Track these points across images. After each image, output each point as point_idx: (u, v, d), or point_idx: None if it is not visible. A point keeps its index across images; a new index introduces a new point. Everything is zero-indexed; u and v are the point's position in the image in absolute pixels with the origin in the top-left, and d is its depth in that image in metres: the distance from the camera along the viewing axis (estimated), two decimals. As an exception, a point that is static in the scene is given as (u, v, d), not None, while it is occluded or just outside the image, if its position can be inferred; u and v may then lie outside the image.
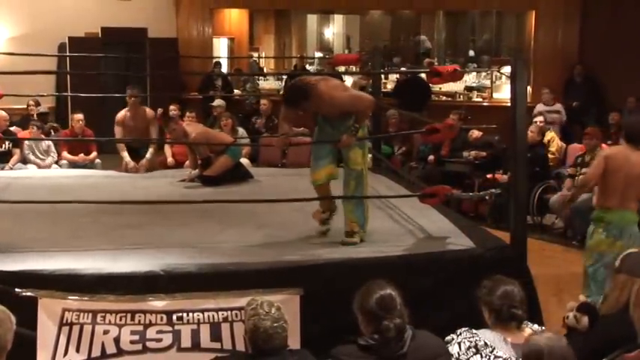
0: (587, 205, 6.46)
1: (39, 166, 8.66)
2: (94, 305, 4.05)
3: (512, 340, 3.14)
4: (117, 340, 4.02)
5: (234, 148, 7.27)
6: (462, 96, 13.43)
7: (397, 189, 6.59)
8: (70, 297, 4.05)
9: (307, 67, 15.28)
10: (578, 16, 12.63)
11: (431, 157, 9.46)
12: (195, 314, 4.09)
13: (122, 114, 8.03)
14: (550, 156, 8.98)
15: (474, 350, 3.11)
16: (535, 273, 4.74)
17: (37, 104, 10.15)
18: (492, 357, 3.08)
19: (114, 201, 5.66)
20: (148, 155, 8.01)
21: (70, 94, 11.41)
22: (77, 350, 4.01)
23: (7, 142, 8.71)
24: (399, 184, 6.88)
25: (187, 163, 7.86)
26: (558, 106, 10.98)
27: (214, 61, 13.17)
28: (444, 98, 13.41)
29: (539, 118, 9.40)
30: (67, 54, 11.80)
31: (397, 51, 17.39)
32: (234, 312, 4.05)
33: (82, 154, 8.96)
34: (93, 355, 4.01)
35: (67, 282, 4.10)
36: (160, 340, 4.05)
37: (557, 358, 2.70)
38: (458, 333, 3.21)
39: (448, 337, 3.22)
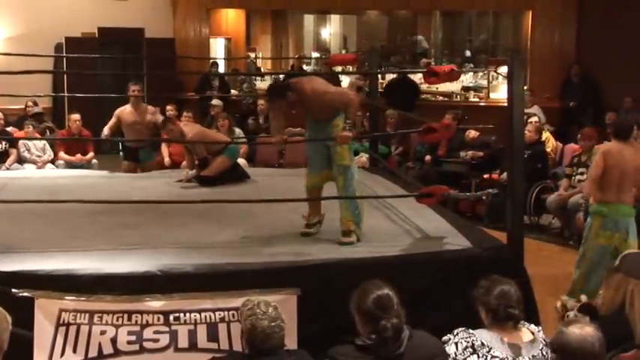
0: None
1: (35, 163, 8.67)
2: (91, 305, 4.04)
3: (508, 339, 3.14)
4: (114, 341, 4.02)
5: (231, 149, 7.27)
6: (458, 96, 13.44)
7: (394, 189, 6.60)
8: (66, 297, 4.05)
9: (304, 67, 15.27)
10: (574, 16, 12.65)
11: (428, 157, 9.47)
12: (193, 314, 4.09)
13: (122, 108, 8.02)
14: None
15: (470, 350, 3.11)
16: (532, 273, 4.75)
17: (35, 104, 10.15)
18: (489, 357, 3.08)
19: (110, 200, 5.65)
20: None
21: (66, 94, 11.40)
22: (74, 351, 4.01)
23: (3, 142, 8.71)
24: (396, 185, 6.88)
25: (184, 163, 7.86)
26: (535, 109, 10.91)
27: (211, 61, 13.17)
28: (441, 98, 13.41)
29: (534, 119, 9.39)
30: (64, 54, 11.77)
31: (394, 51, 17.39)
32: (231, 312, 4.06)
33: (78, 155, 8.97)
34: (90, 355, 4.01)
35: (63, 282, 4.10)
36: (157, 341, 4.05)
37: (588, 346, 2.68)
38: (455, 333, 3.21)
39: (445, 337, 3.22)
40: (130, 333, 4.04)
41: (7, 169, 8.47)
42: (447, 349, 3.15)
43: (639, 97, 10.88)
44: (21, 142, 8.70)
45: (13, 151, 8.71)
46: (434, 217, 5.61)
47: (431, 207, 5.75)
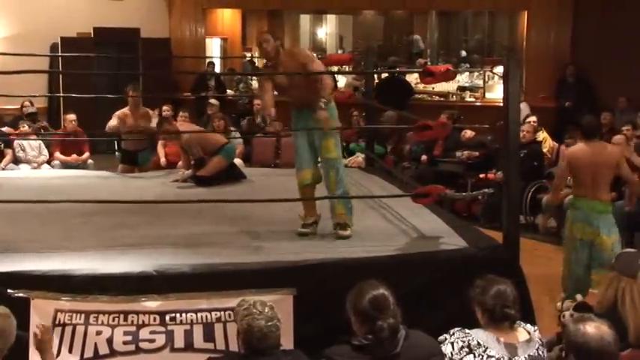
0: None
1: (30, 163, 8.65)
2: (87, 306, 4.04)
3: (504, 339, 3.14)
4: (110, 341, 4.01)
5: (227, 149, 7.27)
6: (454, 96, 13.45)
7: (390, 189, 6.60)
8: (62, 298, 4.04)
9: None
10: (570, 16, 12.67)
11: (424, 157, 9.47)
12: (189, 315, 4.09)
13: (123, 111, 8.00)
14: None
15: (466, 350, 3.11)
16: (528, 272, 4.76)
17: (31, 104, 10.13)
18: (485, 356, 3.09)
19: (106, 200, 5.64)
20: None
21: (62, 94, 11.38)
22: (70, 351, 4.00)
23: (-1, 143, 8.71)
24: (393, 184, 6.88)
25: (180, 163, 7.85)
26: (523, 106, 10.87)
27: (207, 61, 13.16)
28: (437, 98, 13.42)
29: (533, 118, 9.41)
30: (60, 54, 11.76)
31: (390, 51, 17.39)
32: (227, 312, 4.05)
33: (74, 155, 8.95)
34: (85, 355, 4.01)
35: (59, 283, 4.09)
36: (153, 341, 4.05)
37: (605, 345, 2.67)
38: (451, 333, 3.22)
39: (441, 337, 3.22)
40: (125, 333, 4.03)
41: (3, 169, 8.45)
42: (443, 348, 3.16)
43: (634, 97, 10.91)
44: (16, 142, 8.68)
45: (9, 152, 8.69)
46: (430, 216, 5.62)
47: (427, 207, 5.76)
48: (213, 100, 10.30)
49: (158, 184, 7.14)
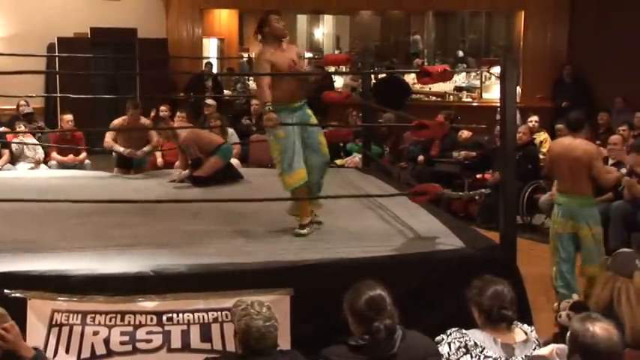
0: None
1: (27, 162, 8.65)
2: (84, 306, 4.04)
3: (502, 340, 3.15)
4: (107, 341, 4.01)
5: (224, 149, 7.26)
6: (451, 96, 13.47)
7: (387, 189, 6.59)
8: (59, 298, 4.04)
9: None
10: (567, 16, 12.69)
11: (421, 158, 9.48)
12: (186, 315, 4.09)
13: (119, 122, 7.93)
14: (542, 157, 8.99)
15: (463, 350, 3.11)
16: (524, 273, 4.76)
17: (28, 104, 10.11)
18: (482, 357, 3.09)
19: (102, 200, 5.64)
20: (145, 149, 7.92)
21: (59, 94, 11.37)
22: (67, 351, 4.00)
23: (-4, 143, 8.69)
24: (389, 185, 6.88)
25: (177, 163, 7.84)
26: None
27: (205, 61, 13.15)
28: (434, 98, 13.44)
29: (535, 118, 9.40)
30: (56, 54, 11.75)
31: (387, 51, 17.41)
32: (224, 312, 4.05)
33: (71, 155, 8.94)
34: (82, 356, 4.00)
35: (56, 283, 4.09)
36: (149, 341, 4.05)
37: (614, 345, 2.67)
38: (448, 333, 3.22)
39: (438, 338, 3.23)
40: (122, 333, 4.03)
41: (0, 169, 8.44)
42: (440, 349, 3.16)
43: (630, 97, 10.94)
44: (13, 142, 8.65)
45: (6, 152, 8.68)
46: (427, 217, 5.62)
47: (424, 207, 5.76)
48: (210, 101, 10.30)
49: (155, 184, 7.14)
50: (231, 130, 9.39)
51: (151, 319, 4.06)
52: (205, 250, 4.67)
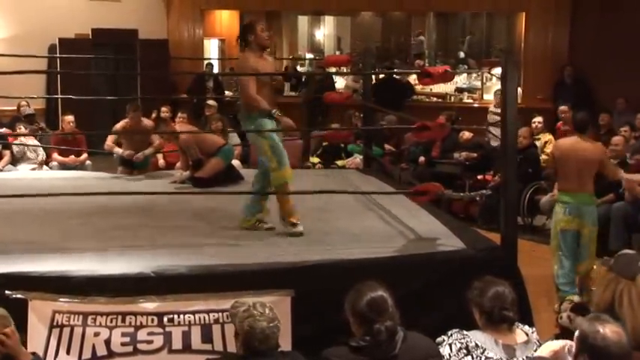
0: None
1: (28, 163, 8.65)
2: (85, 307, 4.04)
3: (503, 341, 3.14)
4: (108, 342, 4.01)
5: (225, 150, 7.27)
6: (452, 97, 13.46)
7: (388, 190, 6.59)
8: (60, 299, 4.04)
9: (298, 68, 15.28)
10: (568, 18, 12.68)
11: (422, 159, 9.47)
12: (186, 316, 4.09)
13: (121, 125, 7.94)
14: (544, 157, 8.97)
15: (464, 351, 3.11)
16: (525, 274, 4.76)
17: (29, 105, 10.11)
18: (483, 358, 3.08)
19: (101, 194, 5.63)
20: (146, 151, 7.94)
21: (60, 95, 11.37)
22: (68, 352, 4.00)
23: (-4, 144, 8.69)
24: (390, 185, 6.88)
25: (178, 164, 7.84)
26: None
27: (206, 62, 13.15)
28: (435, 99, 13.43)
29: (539, 119, 9.38)
30: (58, 55, 11.75)
31: (388, 52, 17.40)
32: (225, 313, 4.04)
33: (72, 156, 8.94)
34: (84, 357, 4.00)
35: (57, 284, 4.09)
36: (150, 342, 4.05)
37: (623, 347, 2.66)
38: (449, 334, 3.21)
39: (439, 339, 3.22)
40: (123, 334, 4.03)
41: (1, 170, 8.44)
42: (441, 350, 3.15)
43: (632, 98, 10.92)
44: (14, 144, 8.65)
45: (7, 153, 8.68)
46: (428, 218, 5.62)
47: (425, 208, 5.76)
48: (211, 102, 10.29)
49: (156, 186, 7.13)
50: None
51: (152, 320, 4.06)
52: (206, 251, 4.67)
